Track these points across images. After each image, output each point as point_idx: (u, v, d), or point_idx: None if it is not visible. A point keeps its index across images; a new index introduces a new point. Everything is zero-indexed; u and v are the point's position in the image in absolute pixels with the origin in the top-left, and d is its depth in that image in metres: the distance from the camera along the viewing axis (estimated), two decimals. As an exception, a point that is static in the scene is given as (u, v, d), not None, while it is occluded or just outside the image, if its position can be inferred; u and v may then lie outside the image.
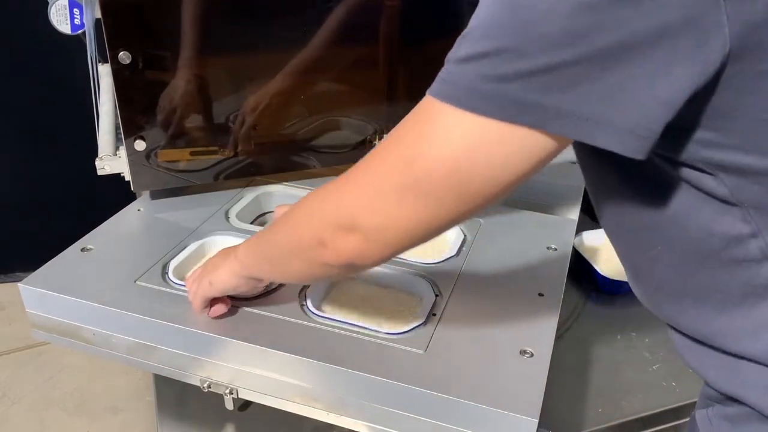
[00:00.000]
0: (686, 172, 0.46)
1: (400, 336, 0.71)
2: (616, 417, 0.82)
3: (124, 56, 0.85)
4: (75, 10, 0.89)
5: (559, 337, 0.79)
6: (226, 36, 0.92)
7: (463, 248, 0.88)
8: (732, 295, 0.50)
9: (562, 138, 0.43)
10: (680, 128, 0.43)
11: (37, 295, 0.77)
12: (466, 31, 0.44)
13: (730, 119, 0.43)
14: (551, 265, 0.84)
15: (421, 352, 0.68)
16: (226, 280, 0.68)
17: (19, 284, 0.77)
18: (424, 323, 0.73)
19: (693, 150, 0.44)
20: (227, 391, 0.72)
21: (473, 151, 0.44)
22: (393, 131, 0.49)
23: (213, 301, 0.71)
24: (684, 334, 0.56)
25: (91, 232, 0.89)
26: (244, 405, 0.80)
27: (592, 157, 0.52)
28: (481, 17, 0.43)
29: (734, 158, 0.44)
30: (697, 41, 0.38)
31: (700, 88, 0.40)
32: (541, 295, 0.79)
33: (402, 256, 0.84)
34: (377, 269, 0.83)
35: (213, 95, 0.96)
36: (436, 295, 0.78)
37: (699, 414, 0.58)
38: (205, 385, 0.73)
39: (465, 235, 0.91)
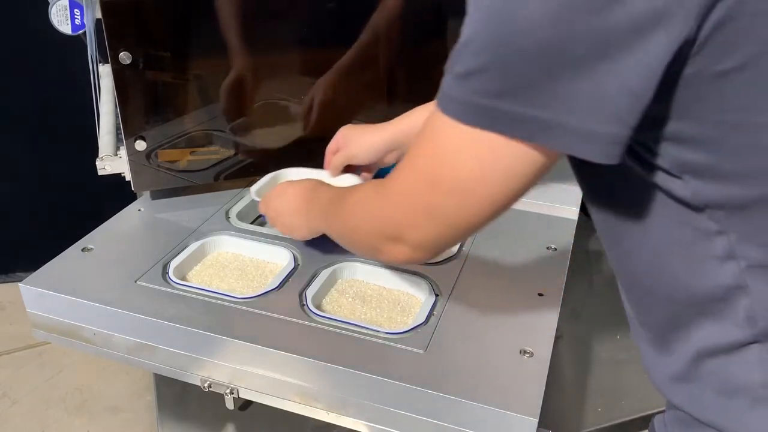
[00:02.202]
0: (656, 173, 0.47)
1: (400, 336, 0.71)
2: (616, 417, 0.82)
3: (125, 56, 0.85)
4: (75, 10, 0.89)
5: (559, 337, 0.79)
6: (232, 35, 0.92)
7: (463, 248, 0.88)
8: (693, 295, 0.51)
9: (556, 150, 0.45)
10: (647, 127, 0.44)
11: (37, 295, 0.77)
12: (458, 44, 0.45)
13: (692, 120, 0.44)
14: (551, 265, 0.84)
15: (421, 351, 0.68)
16: (305, 235, 0.81)
17: (19, 284, 0.77)
18: (424, 323, 0.73)
19: (661, 148, 0.46)
20: (228, 390, 0.72)
21: (481, 167, 0.47)
22: (413, 144, 0.51)
23: None
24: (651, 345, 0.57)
25: (92, 232, 0.89)
26: (245, 404, 0.80)
27: None
28: (468, 34, 0.44)
29: (698, 159, 0.45)
30: (666, 42, 0.39)
31: (662, 87, 0.41)
32: (541, 295, 0.79)
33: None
34: (377, 269, 0.83)
35: (213, 95, 0.96)
36: (436, 295, 0.78)
37: (657, 418, 0.59)
38: (206, 385, 0.73)
39: (465, 235, 0.91)
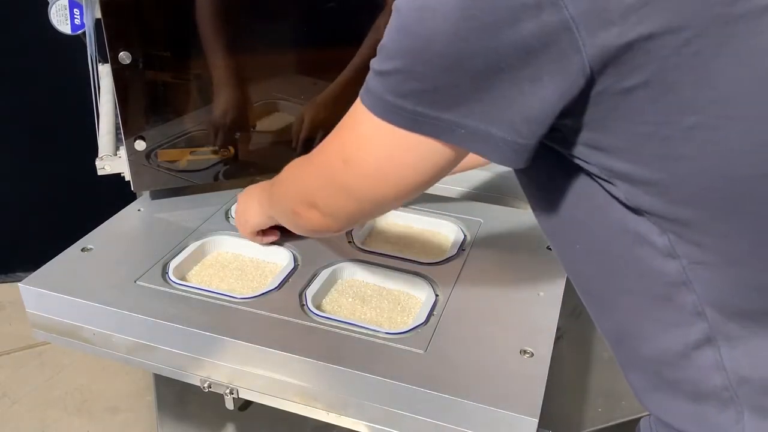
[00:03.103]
0: (591, 178, 0.50)
1: (400, 336, 0.71)
2: (616, 417, 0.82)
3: (124, 56, 0.85)
4: (75, 10, 0.89)
5: (559, 337, 0.79)
6: (227, 36, 0.92)
7: (463, 248, 0.88)
8: (642, 298, 0.52)
9: (459, 147, 0.48)
10: (567, 136, 0.47)
11: (37, 295, 0.77)
12: (380, 44, 0.49)
13: (607, 132, 0.45)
14: (551, 264, 0.84)
15: (421, 351, 0.68)
16: (258, 219, 0.83)
17: (19, 284, 0.77)
18: (424, 323, 0.73)
19: (587, 156, 0.48)
20: (227, 390, 0.72)
21: (390, 156, 0.51)
22: (339, 123, 0.56)
23: (264, 231, 0.86)
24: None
25: (91, 232, 0.89)
26: (245, 405, 0.80)
27: None
28: (386, 38, 0.48)
29: (621, 167, 0.46)
30: (557, 64, 0.42)
31: (569, 104, 0.44)
32: (540, 294, 0.79)
33: (402, 255, 0.85)
34: (377, 269, 0.83)
35: (213, 95, 0.96)
36: (436, 295, 0.78)
37: (643, 422, 0.59)
38: (206, 385, 0.73)
39: (465, 235, 0.91)
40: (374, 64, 0.49)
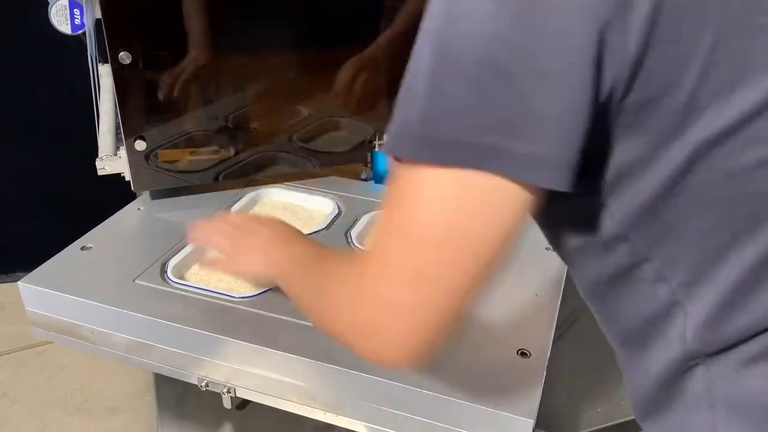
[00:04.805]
0: (578, 198, 0.45)
1: (398, 336, 0.71)
2: (616, 417, 0.82)
3: (124, 56, 0.85)
4: (75, 10, 0.89)
5: (558, 337, 0.79)
6: (227, 36, 0.92)
7: (462, 248, 0.88)
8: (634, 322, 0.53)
9: (521, 182, 0.41)
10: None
11: (36, 293, 0.77)
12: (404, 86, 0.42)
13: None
14: (549, 265, 0.84)
15: (418, 351, 0.68)
16: (251, 274, 0.74)
17: (18, 282, 0.77)
18: (423, 323, 0.73)
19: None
20: (225, 390, 0.72)
21: (453, 210, 0.42)
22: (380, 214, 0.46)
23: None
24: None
25: (91, 230, 0.89)
26: (243, 404, 0.80)
27: None
28: (409, 64, 0.42)
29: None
30: (587, 73, 0.38)
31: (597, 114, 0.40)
32: (538, 296, 0.79)
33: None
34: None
35: (213, 95, 0.96)
36: (435, 295, 0.78)
37: None
38: (203, 384, 0.73)
39: (464, 236, 0.91)
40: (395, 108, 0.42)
